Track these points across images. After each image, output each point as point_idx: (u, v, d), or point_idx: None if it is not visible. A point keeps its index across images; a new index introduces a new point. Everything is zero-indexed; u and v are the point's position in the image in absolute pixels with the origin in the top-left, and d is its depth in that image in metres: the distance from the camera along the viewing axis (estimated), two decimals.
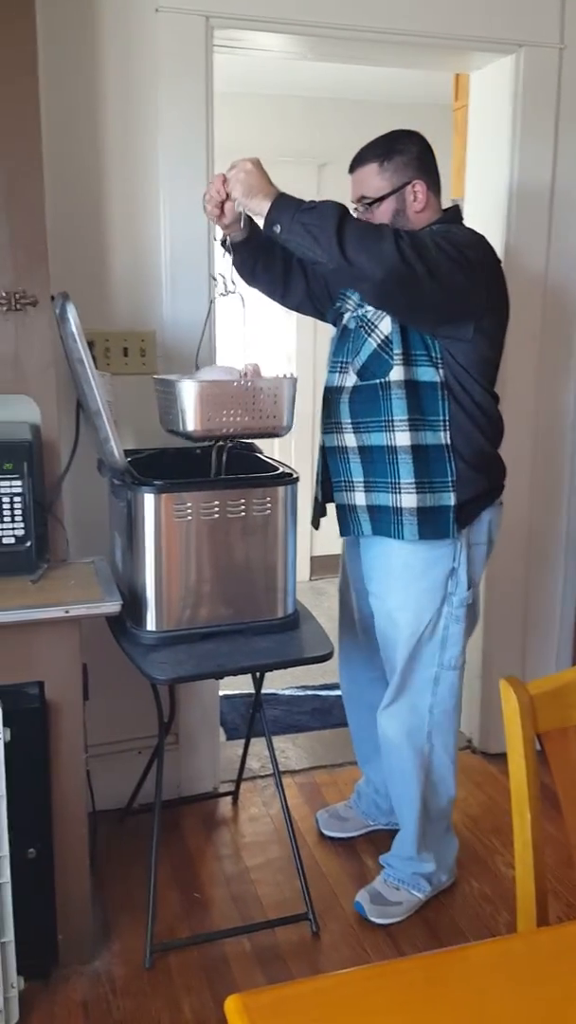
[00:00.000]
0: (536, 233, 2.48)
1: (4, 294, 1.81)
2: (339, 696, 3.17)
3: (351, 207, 1.95)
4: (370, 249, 1.68)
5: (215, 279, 1.99)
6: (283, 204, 1.73)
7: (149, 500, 1.78)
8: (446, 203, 1.99)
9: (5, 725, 1.67)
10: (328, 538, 2.23)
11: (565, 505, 2.68)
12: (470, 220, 2.36)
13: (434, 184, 1.93)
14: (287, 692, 3.20)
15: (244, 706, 3.02)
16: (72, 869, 1.84)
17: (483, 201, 2.57)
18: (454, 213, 1.96)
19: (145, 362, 2.23)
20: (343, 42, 2.28)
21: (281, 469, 1.91)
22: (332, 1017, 0.81)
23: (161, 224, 2.20)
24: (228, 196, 1.81)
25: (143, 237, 2.21)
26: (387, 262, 1.67)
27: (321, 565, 4.38)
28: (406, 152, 1.89)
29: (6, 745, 1.67)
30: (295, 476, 1.88)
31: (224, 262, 2.00)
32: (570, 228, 2.51)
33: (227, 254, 1.98)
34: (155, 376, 2.01)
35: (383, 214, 1.91)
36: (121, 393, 2.16)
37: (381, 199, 1.90)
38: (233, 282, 1.95)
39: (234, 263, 1.98)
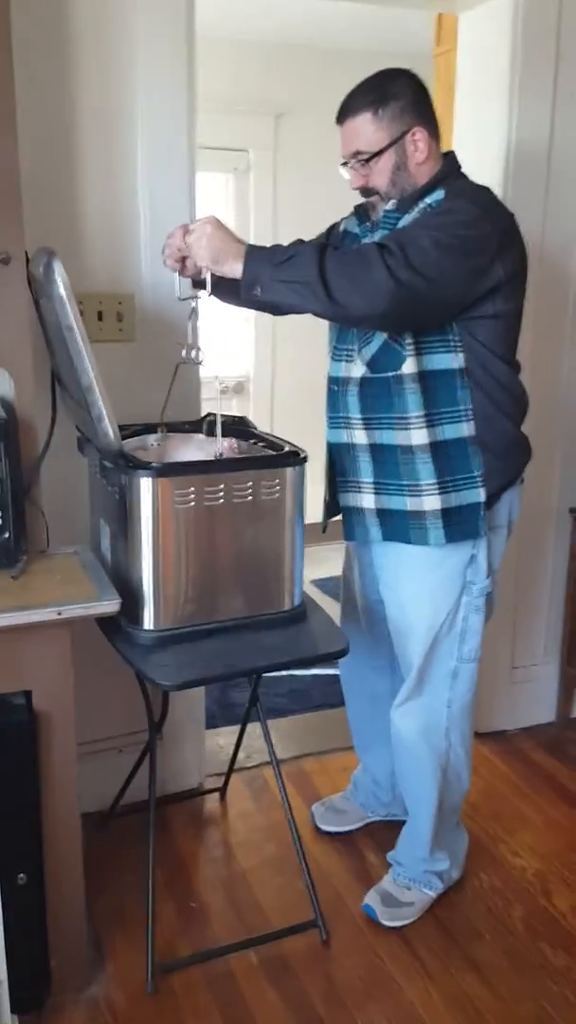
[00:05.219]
0: (533, 193, 2.33)
1: None
2: (315, 676, 3.07)
3: (341, 164, 1.77)
4: (361, 286, 1.53)
5: (180, 345, 1.78)
6: (256, 264, 1.57)
7: (146, 485, 1.59)
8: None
9: None
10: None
11: (558, 487, 2.59)
12: None
13: (434, 130, 1.75)
14: None
15: (217, 690, 2.87)
16: (66, 891, 1.67)
17: (473, 157, 2.38)
18: (451, 162, 1.78)
19: (123, 328, 2.02)
20: None
21: (287, 448, 1.74)
22: None
23: (139, 174, 1.98)
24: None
25: (118, 188, 1.98)
26: (383, 292, 1.52)
27: None
28: (402, 96, 1.69)
29: None
30: (303, 455, 1.72)
31: (189, 325, 1.78)
32: (569, 187, 2.37)
33: (193, 316, 1.78)
34: (123, 451, 1.67)
35: (382, 170, 1.72)
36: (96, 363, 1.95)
37: (379, 153, 1.71)
38: (199, 348, 1.77)
39: (215, 295, 1.75)
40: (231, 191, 4.06)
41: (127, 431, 1.84)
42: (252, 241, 1.67)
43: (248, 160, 4.03)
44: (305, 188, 3.93)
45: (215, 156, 3.96)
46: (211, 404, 2.20)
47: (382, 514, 1.76)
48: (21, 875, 1.61)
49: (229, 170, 4.03)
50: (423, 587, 1.79)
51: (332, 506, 1.88)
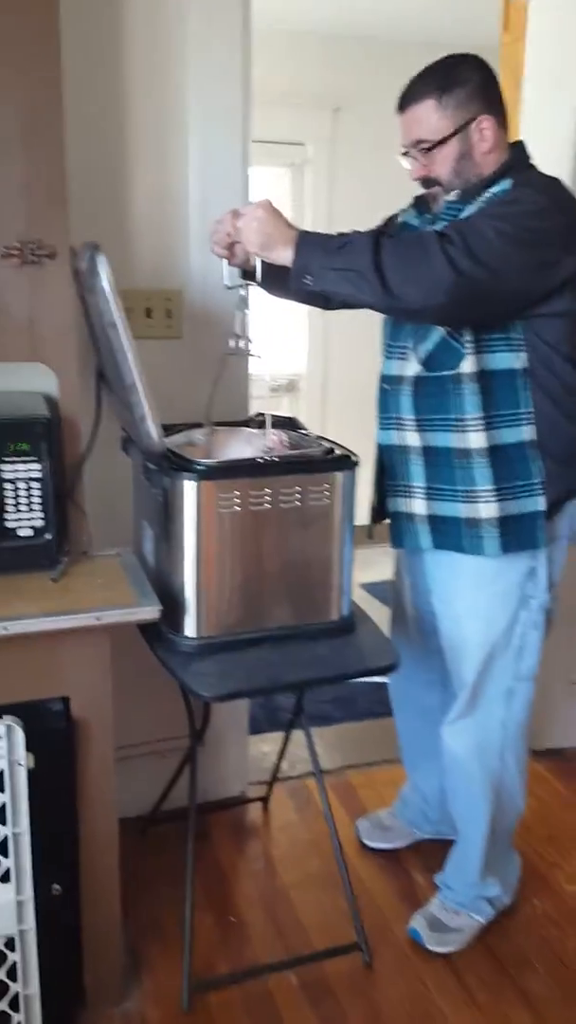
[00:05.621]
0: None
1: (17, 244, 1.54)
2: (363, 682, 2.98)
3: (401, 154, 1.69)
4: (419, 277, 1.45)
5: (231, 339, 1.72)
6: (308, 251, 1.50)
7: (190, 488, 1.53)
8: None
9: (28, 750, 1.44)
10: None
11: None
12: None
13: (502, 118, 1.66)
14: None
15: (264, 696, 2.81)
16: (102, 904, 1.63)
17: (540, 150, 2.28)
18: (520, 152, 1.69)
19: (171, 325, 1.97)
20: None
21: (337, 451, 1.67)
22: None
23: (190, 168, 1.92)
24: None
25: (168, 182, 1.93)
26: (442, 284, 1.43)
27: None
28: (468, 82, 1.60)
29: (29, 773, 1.44)
30: (354, 460, 1.64)
31: (237, 315, 1.71)
32: None
33: (241, 305, 1.71)
34: (169, 449, 1.63)
35: (445, 159, 1.63)
36: (143, 360, 1.90)
37: (442, 141, 1.63)
38: (248, 339, 1.71)
39: (263, 286, 1.69)
40: (287, 186, 4.00)
41: (174, 430, 1.79)
42: None
43: (305, 154, 3.96)
44: (363, 183, 3.83)
45: (271, 150, 3.91)
46: (261, 403, 2.14)
47: (433, 520, 1.68)
48: (56, 886, 1.57)
49: (286, 164, 3.97)
50: (478, 601, 1.70)
51: (380, 510, 1.80)
